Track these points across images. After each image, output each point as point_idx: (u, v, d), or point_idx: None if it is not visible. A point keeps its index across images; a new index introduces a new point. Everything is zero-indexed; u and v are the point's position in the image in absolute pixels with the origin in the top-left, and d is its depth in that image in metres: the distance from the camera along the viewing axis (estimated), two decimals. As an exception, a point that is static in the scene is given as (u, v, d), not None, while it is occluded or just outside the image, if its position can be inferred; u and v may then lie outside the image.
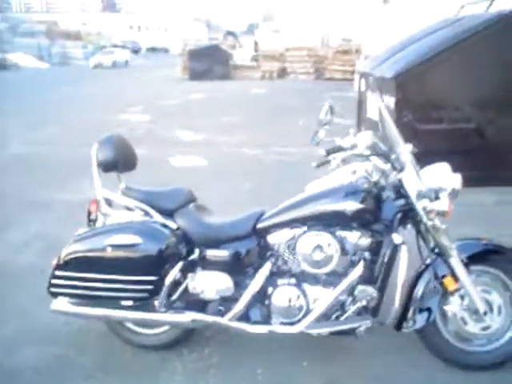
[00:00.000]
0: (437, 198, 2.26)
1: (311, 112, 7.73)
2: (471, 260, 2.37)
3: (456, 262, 2.30)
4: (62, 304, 2.49)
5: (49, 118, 10.24)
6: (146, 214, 2.50)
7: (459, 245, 2.42)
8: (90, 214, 2.58)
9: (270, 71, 18.77)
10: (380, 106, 2.47)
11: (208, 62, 18.06)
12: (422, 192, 2.27)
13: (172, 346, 2.62)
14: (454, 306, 2.35)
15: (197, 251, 2.46)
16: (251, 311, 2.44)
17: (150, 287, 2.33)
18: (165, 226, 2.44)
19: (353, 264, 2.35)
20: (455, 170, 5.01)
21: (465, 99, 4.96)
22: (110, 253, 2.32)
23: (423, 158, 4.89)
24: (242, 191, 5.25)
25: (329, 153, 2.25)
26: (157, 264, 2.33)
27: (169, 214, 2.51)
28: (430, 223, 2.29)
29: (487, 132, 5.03)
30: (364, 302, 2.32)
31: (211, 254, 2.46)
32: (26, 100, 13.40)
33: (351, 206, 2.30)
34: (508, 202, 4.89)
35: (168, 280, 2.33)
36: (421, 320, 2.36)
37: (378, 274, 2.35)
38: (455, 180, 2.29)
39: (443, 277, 2.32)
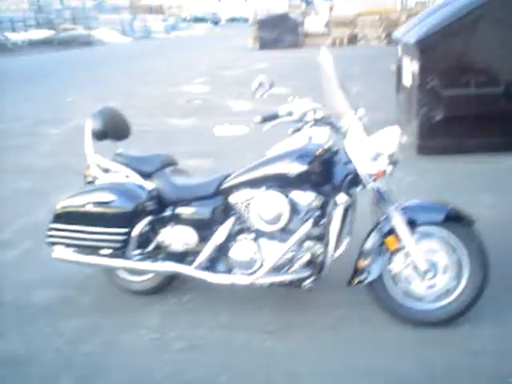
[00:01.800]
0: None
1: (369, 80, 7.51)
2: (423, 221, 2.48)
3: (398, 221, 2.42)
4: (61, 252, 2.92)
5: (115, 90, 10.95)
6: (128, 176, 2.85)
7: (418, 205, 2.54)
8: (86, 177, 2.97)
9: (340, 38, 18.40)
10: (325, 68, 2.57)
11: (277, 31, 18.06)
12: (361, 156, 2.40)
13: (156, 291, 2.98)
14: (397, 265, 2.49)
15: (169, 209, 2.78)
16: (214, 262, 2.73)
17: (122, 238, 2.68)
18: (141, 186, 2.77)
19: (304, 222, 2.54)
20: (483, 135, 4.96)
21: (493, 62, 4.79)
22: (90, 208, 2.69)
23: (448, 124, 4.90)
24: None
25: (264, 120, 2.42)
26: (128, 218, 2.67)
27: (148, 176, 2.84)
28: (369, 185, 2.42)
29: (517, 96, 4.83)
30: (309, 257, 2.52)
31: (181, 211, 2.77)
32: (97, 74, 14.29)
33: (297, 168, 2.49)
34: (537, 169, 4.73)
35: (135, 232, 2.67)
36: (368, 276, 2.51)
37: (325, 232, 2.53)
38: (392, 145, 2.38)
39: (386, 236, 2.46)
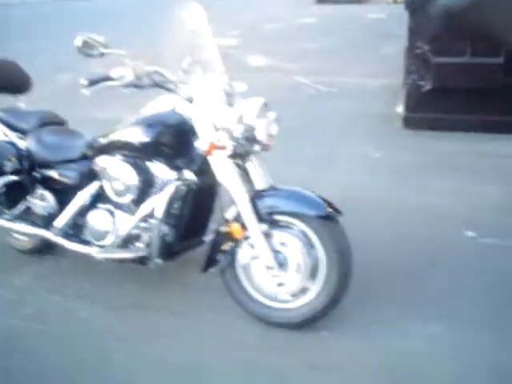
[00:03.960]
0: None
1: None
2: (278, 210, 2.17)
3: (243, 207, 2.13)
4: None
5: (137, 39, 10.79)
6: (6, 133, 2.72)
7: (278, 192, 2.20)
8: None
9: (405, -7, 17.02)
10: (195, 25, 2.24)
11: (336, -16, 16.99)
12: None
13: (39, 252, 2.88)
14: (244, 256, 2.21)
15: (38, 170, 2.64)
16: (75, 230, 2.57)
17: None
18: (11, 144, 2.65)
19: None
20: (477, 112, 4.39)
21: (493, 28, 4.13)
22: None
23: (438, 96, 4.35)
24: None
25: (92, 83, 2.14)
26: None
27: (24, 133, 2.70)
28: (212, 164, 2.13)
29: (519, 69, 4.16)
30: (148, 235, 2.31)
31: (48, 173, 2.63)
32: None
33: (143, 138, 2.25)
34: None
35: None
36: (217, 264, 2.27)
37: (172, 210, 2.29)
38: (237, 118, 2.06)
39: (233, 222, 2.18)
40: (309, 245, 2.16)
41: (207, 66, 2.27)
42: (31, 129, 2.69)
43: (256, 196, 2.18)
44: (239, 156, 2.20)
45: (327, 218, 2.12)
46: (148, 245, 2.33)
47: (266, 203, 2.17)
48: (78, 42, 2.16)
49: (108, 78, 2.13)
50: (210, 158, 2.13)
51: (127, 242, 2.39)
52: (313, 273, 2.17)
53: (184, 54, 2.33)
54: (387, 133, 4.75)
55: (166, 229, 2.30)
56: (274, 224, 2.18)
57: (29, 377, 2.10)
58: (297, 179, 3.78)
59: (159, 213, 2.22)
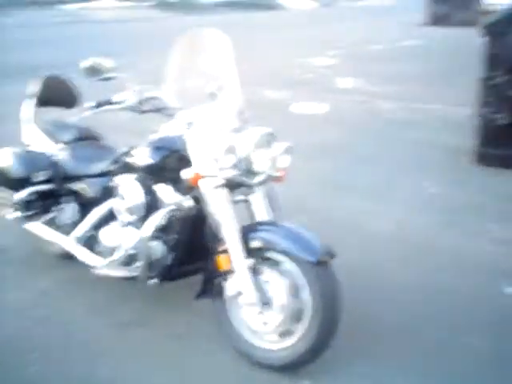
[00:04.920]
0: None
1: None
2: (270, 246, 2.07)
3: (232, 240, 2.06)
4: None
5: (247, 58, 11.02)
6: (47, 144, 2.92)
7: (273, 227, 2.10)
8: None
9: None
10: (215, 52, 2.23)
11: (449, 6, 16.19)
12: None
13: (64, 258, 2.92)
14: (230, 289, 2.14)
15: (67, 181, 2.79)
16: (88, 242, 2.65)
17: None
18: (45, 155, 2.85)
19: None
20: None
21: None
22: None
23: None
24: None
25: (98, 106, 2.19)
26: (18, 184, 2.77)
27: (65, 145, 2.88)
28: (203, 193, 2.10)
29: None
30: (154, 257, 2.33)
31: (74, 186, 2.77)
32: (253, 39, 14.45)
33: (147, 160, 2.29)
34: None
35: (16, 197, 2.74)
36: (207, 294, 2.23)
37: (172, 234, 2.29)
38: (223, 149, 2.00)
39: (219, 253, 2.12)
40: (297, 286, 2.04)
41: (226, 92, 2.25)
42: (69, 141, 2.86)
43: (250, 229, 2.11)
44: (243, 186, 2.16)
45: (319, 262, 1.99)
46: (148, 265, 2.35)
47: (258, 238, 2.08)
48: (86, 64, 2.25)
49: (110, 102, 2.20)
50: (200, 187, 2.10)
51: (131, 260, 2.43)
52: (299, 316, 2.05)
53: (208, 78, 2.34)
54: (454, 168, 4.40)
55: (164, 251, 2.31)
56: (265, 260, 2.10)
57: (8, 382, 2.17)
58: (346, 208, 3.68)
59: (147, 233, 2.24)
